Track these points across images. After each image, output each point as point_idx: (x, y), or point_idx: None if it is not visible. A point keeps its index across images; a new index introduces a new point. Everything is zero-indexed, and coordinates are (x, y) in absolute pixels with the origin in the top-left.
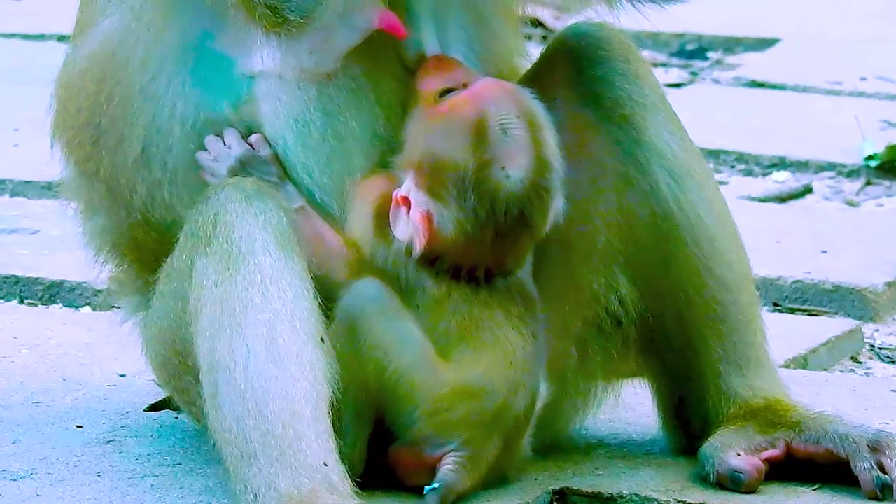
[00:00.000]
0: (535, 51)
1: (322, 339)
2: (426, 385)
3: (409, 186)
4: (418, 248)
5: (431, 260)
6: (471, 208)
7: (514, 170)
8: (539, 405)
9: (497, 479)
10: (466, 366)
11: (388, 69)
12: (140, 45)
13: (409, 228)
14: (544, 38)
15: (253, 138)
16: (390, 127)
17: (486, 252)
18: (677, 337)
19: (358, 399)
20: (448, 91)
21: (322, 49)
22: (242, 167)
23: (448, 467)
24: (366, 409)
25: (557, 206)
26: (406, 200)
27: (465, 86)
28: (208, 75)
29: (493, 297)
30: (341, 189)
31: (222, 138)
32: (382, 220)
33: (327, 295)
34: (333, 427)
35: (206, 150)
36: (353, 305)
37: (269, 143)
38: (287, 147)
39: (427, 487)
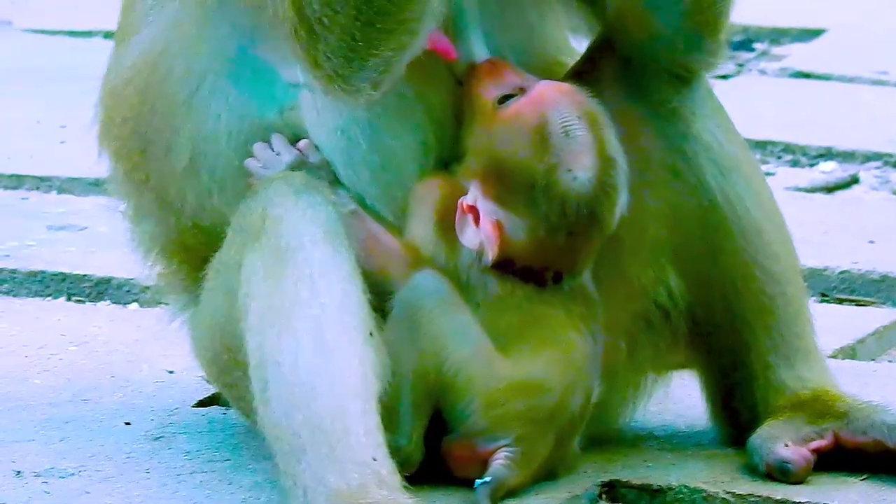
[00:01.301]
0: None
1: (371, 334)
2: (483, 379)
3: (475, 195)
4: (490, 256)
5: (502, 265)
6: (542, 214)
7: (580, 171)
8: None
9: (546, 475)
10: (525, 362)
11: (436, 79)
12: (180, 56)
13: (477, 236)
14: None
15: (301, 144)
16: (441, 136)
17: (558, 254)
18: (725, 329)
19: (415, 391)
20: (506, 97)
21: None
22: None
23: (500, 462)
24: (423, 401)
25: (623, 200)
26: (472, 209)
27: (521, 90)
28: (251, 85)
29: (556, 297)
30: (391, 197)
31: (270, 145)
32: (445, 224)
33: (378, 291)
34: (389, 420)
35: (253, 157)
36: (413, 297)
37: (318, 149)
38: (334, 157)
39: (478, 481)
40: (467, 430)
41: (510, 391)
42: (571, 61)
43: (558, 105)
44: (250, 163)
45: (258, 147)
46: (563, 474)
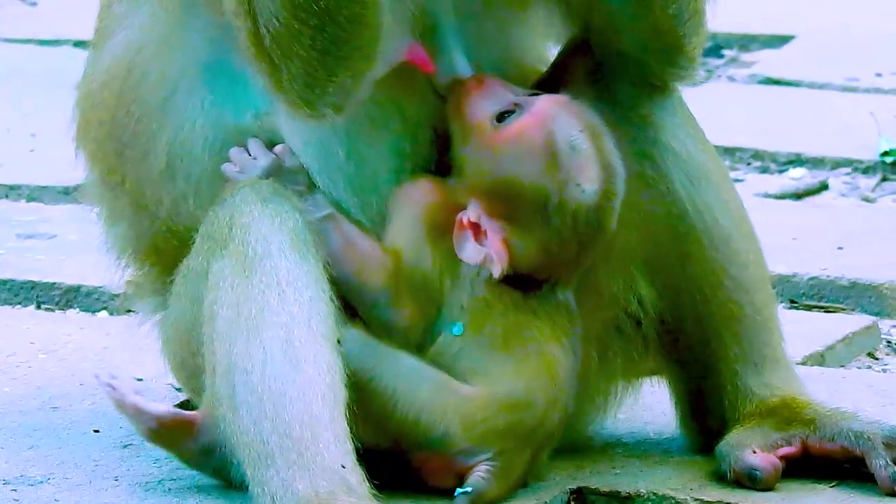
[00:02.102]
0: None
1: (339, 341)
2: (455, 405)
3: (477, 213)
4: (497, 272)
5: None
6: (554, 229)
7: (587, 184)
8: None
9: (518, 485)
10: (509, 377)
11: (413, 89)
12: (156, 59)
13: (479, 252)
14: None
15: (278, 149)
16: (416, 145)
17: (567, 265)
18: (695, 337)
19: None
20: (503, 114)
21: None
22: (269, 179)
23: (481, 475)
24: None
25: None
26: (473, 225)
27: (517, 106)
28: (228, 89)
29: (542, 308)
30: (367, 205)
31: (247, 149)
32: (435, 231)
33: (357, 308)
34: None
35: (230, 161)
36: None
37: (294, 154)
38: (309, 164)
39: (458, 490)
40: (446, 448)
41: (489, 409)
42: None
43: (561, 120)
44: (227, 167)
45: (234, 151)
46: (532, 483)
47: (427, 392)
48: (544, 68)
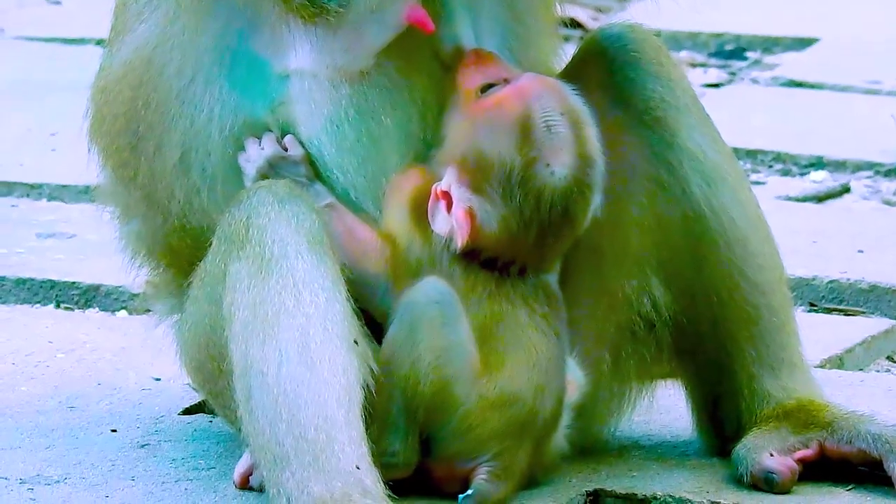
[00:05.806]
0: (571, 52)
1: (356, 342)
2: (461, 401)
3: (450, 181)
4: (459, 243)
5: (469, 254)
6: (516, 205)
7: (558, 167)
8: (568, 404)
9: (529, 479)
10: (494, 374)
11: (422, 67)
12: (176, 49)
13: (448, 223)
14: (582, 39)
15: (286, 139)
16: (425, 125)
17: (527, 248)
18: (710, 339)
19: (406, 396)
20: (489, 87)
21: (355, 46)
22: (270, 168)
23: (482, 477)
24: (416, 406)
25: (597, 201)
26: (446, 195)
27: (505, 81)
28: (244, 78)
29: (517, 294)
30: (376, 188)
31: (260, 141)
32: (419, 213)
33: (360, 296)
34: (384, 422)
35: (245, 152)
36: (417, 304)
37: (303, 145)
38: (322, 147)
39: (461, 495)
40: (445, 453)
41: (485, 411)
42: (561, 66)
43: (542, 98)
44: (240, 156)
45: (248, 142)
46: (545, 478)
47: (456, 369)
48: (552, 60)
